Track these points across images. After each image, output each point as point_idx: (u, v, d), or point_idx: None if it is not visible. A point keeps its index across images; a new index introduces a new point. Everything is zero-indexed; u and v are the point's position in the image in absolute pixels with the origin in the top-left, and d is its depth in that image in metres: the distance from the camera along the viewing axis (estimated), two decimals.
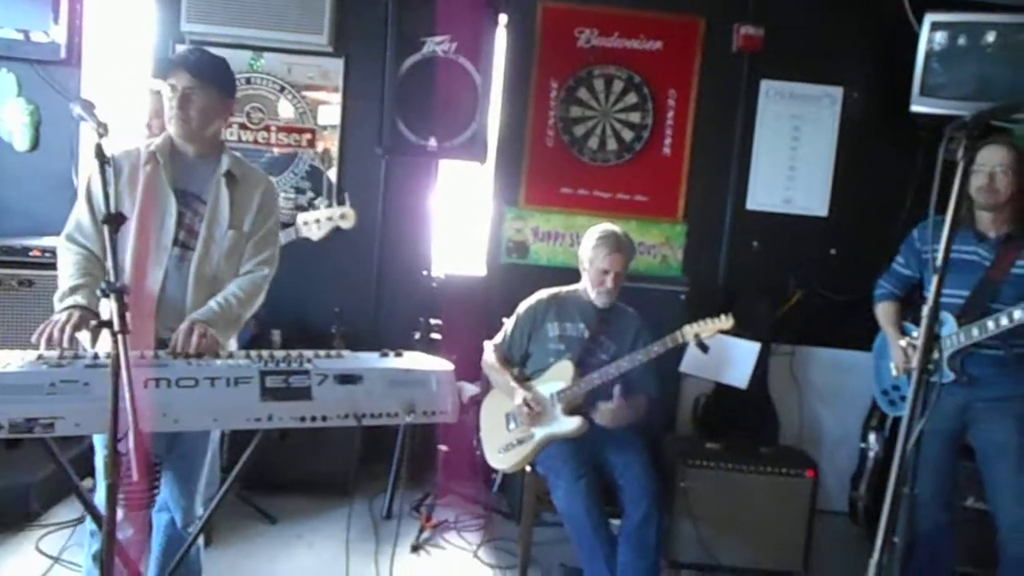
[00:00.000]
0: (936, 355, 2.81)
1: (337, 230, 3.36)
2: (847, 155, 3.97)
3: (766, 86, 3.95)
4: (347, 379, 1.97)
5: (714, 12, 3.91)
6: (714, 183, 4.00)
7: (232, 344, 2.34)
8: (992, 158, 2.81)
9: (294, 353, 2.10)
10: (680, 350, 3.12)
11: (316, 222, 3.31)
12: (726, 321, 2.98)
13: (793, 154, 4.00)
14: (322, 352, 2.13)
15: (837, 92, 3.96)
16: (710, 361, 3.54)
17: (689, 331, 2.96)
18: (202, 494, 2.31)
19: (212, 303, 2.17)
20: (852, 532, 3.78)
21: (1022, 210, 2.85)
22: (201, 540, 2.33)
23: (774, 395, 3.91)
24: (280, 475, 3.53)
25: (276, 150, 3.94)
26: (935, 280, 1.77)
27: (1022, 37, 3.59)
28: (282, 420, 1.93)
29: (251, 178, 2.33)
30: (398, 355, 2.18)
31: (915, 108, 3.67)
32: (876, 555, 1.77)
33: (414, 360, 2.13)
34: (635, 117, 3.93)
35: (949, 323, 2.85)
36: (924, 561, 3.09)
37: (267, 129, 3.92)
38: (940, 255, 2.94)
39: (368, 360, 2.08)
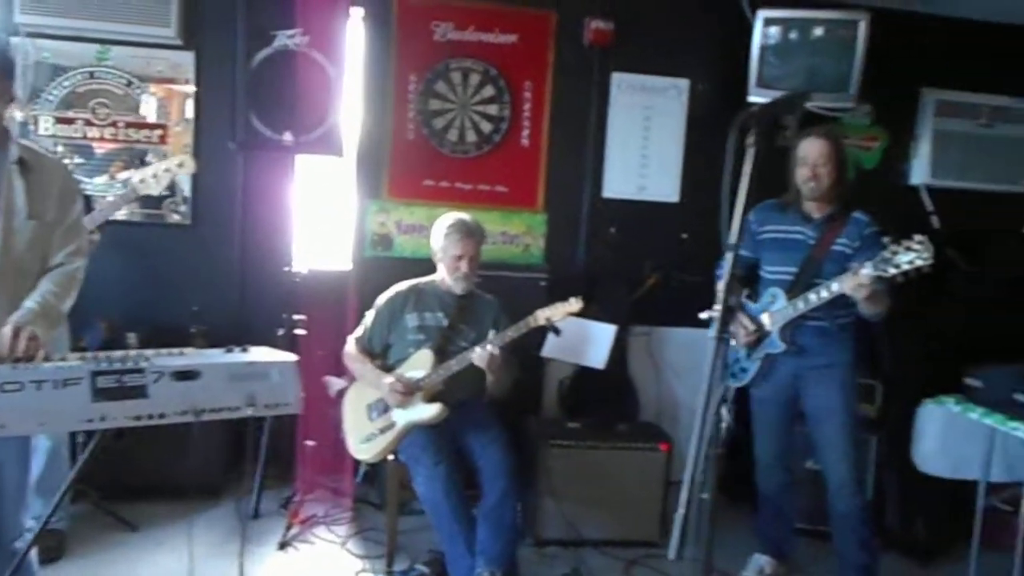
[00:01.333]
0: (752, 326, 3.05)
1: (187, 228, 3.29)
2: (695, 143, 4.19)
3: (617, 78, 4.12)
4: (184, 375, 1.96)
5: (565, 6, 4.04)
6: (571, 173, 4.14)
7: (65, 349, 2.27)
8: (812, 151, 3.05)
9: (133, 353, 2.07)
10: (543, 335, 3.25)
11: (154, 177, 3.02)
12: (575, 304, 3.10)
13: (645, 144, 4.19)
14: (164, 350, 2.11)
15: (684, 84, 4.17)
16: (570, 345, 3.67)
17: (541, 315, 3.07)
18: (28, 506, 2.23)
19: (29, 303, 2.10)
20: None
21: (842, 193, 3.11)
22: (34, 554, 2.25)
23: (633, 374, 4.09)
24: (143, 481, 3.43)
25: (124, 146, 3.81)
26: (729, 257, 1.92)
27: (845, 32, 3.88)
28: (116, 420, 1.90)
29: (46, 165, 2.23)
30: (244, 350, 2.18)
31: (752, 98, 3.91)
32: (682, 509, 1.91)
33: (257, 354, 2.14)
34: (493, 109, 4.01)
35: (780, 298, 3.08)
36: (769, 518, 3.33)
37: (114, 125, 3.79)
38: (771, 235, 3.18)
39: (209, 356, 2.08)
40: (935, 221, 4.44)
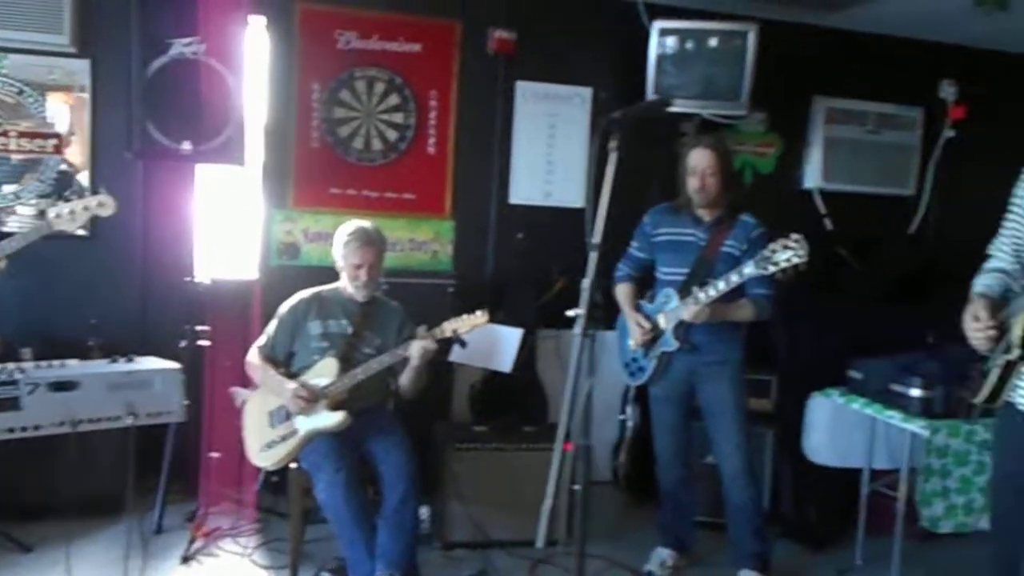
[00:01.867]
0: (662, 326, 3.16)
1: (86, 240, 3.22)
2: (599, 151, 4.28)
3: (522, 87, 4.20)
4: (61, 386, 1.94)
5: (469, 16, 4.10)
6: (478, 180, 4.20)
7: None
8: (701, 162, 3.19)
9: (11, 366, 2.04)
10: (449, 341, 3.29)
11: (71, 213, 2.95)
12: (481, 317, 3.17)
13: (550, 151, 4.28)
14: (44, 362, 2.08)
15: (586, 92, 4.28)
16: (478, 349, 3.72)
17: (448, 327, 3.13)
18: None
19: None
20: (617, 498, 4.10)
21: (730, 198, 3.24)
22: None
23: (542, 377, 4.16)
24: (41, 500, 3.32)
25: (16, 156, 3.71)
26: (593, 257, 2.01)
27: (737, 42, 4.04)
28: None
29: None
30: (128, 360, 2.17)
31: None
32: (548, 501, 1.97)
33: (142, 363, 2.12)
34: (398, 118, 4.05)
35: (673, 298, 3.19)
36: (669, 512, 3.44)
37: (5, 134, 3.68)
38: (665, 237, 3.29)
39: (89, 366, 2.06)
40: (828, 224, 4.65)
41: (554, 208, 4.25)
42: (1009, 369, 2.13)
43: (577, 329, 2.04)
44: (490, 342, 3.73)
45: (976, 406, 2.28)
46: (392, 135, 4.05)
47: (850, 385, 3.50)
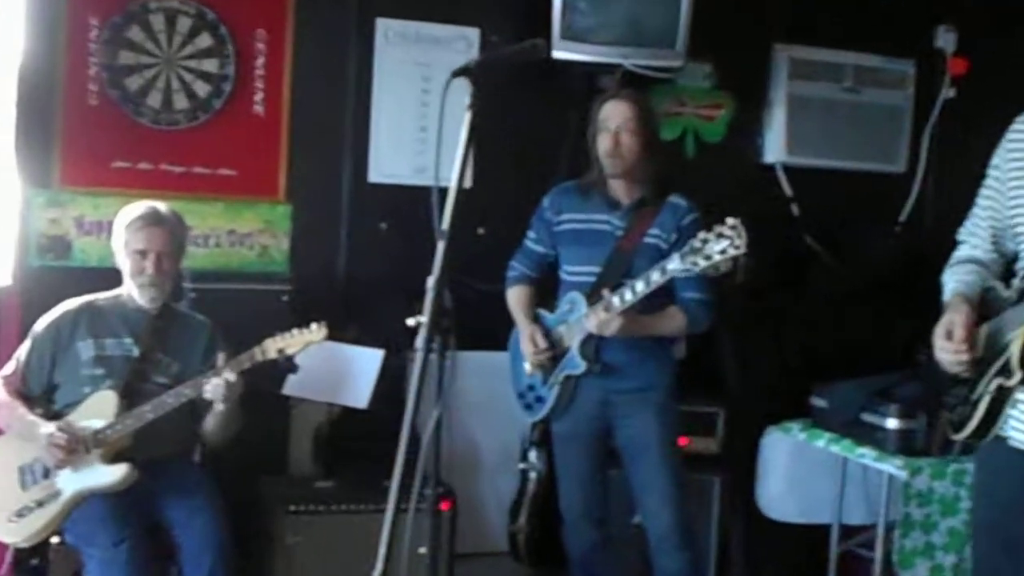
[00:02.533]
0: (567, 344, 3.25)
1: None
2: (493, 111, 4.36)
3: (383, 25, 4.26)
4: None
5: None
6: (325, 150, 4.24)
7: None
8: (615, 115, 3.30)
9: None
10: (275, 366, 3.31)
11: None
12: (316, 332, 3.22)
13: (424, 111, 4.34)
14: None
15: (473, 34, 4.36)
16: (323, 378, 3.75)
17: (271, 346, 3.17)
18: None
19: None
20: (518, 573, 4.17)
21: (657, 171, 3.36)
22: None
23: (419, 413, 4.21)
24: None
25: None
26: (441, 247, 2.09)
27: None
28: None
29: None
30: None
31: (557, 54, 4.15)
32: (379, 565, 2.03)
33: None
34: (211, 65, 4.05)
35: (580, 305, 3.29)
36: None
37: None
38: (569, 225, 3.40)
39: None
40: (795, 208, 4.85)
41: (430, 189, 4.30)
42: (1003, 396, 2.26)
43: (419, 342, 2.11)
44: (340, 368, 3.77)
45: (955, 442, 2.42)
46: (203, 89, 4.05)
47: (814, 416, 3.67)
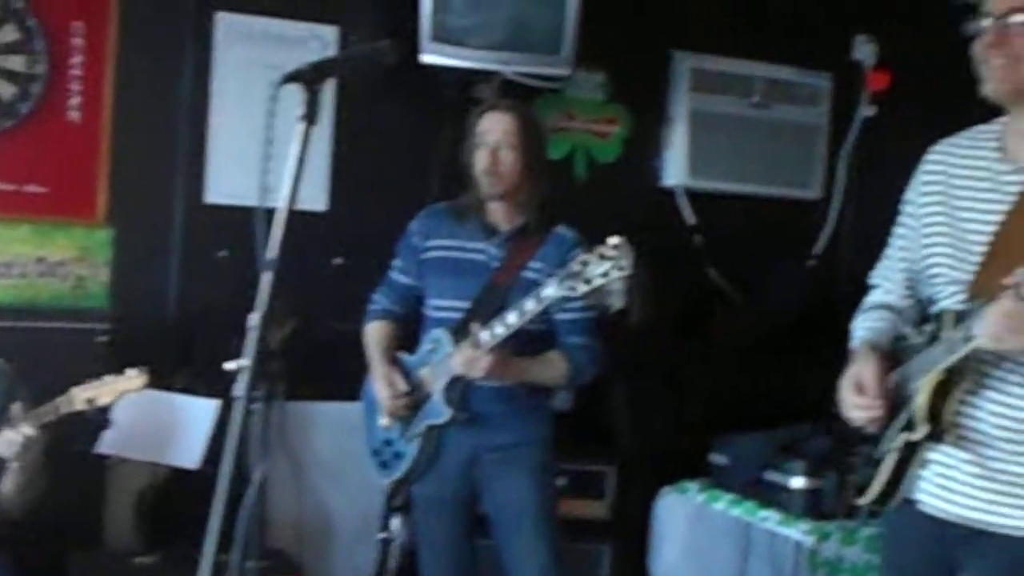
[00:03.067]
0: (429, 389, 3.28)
1: None
2: (351, 123, 4.41)
3: (224, 21, 4.26)
4: None
5: None
6: (154, 166, 4.22)
7: None
8: (494, 129, 3.35)
9: None
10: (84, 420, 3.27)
11: None
12: (135, 378, 3.20)
13: (272, 121, 4.32)
14: None
15: (330, 33, 4.39)
16: (146, 433, 3.71)
17: (79, 395, 3.15)
18: None
19: None
20: None
21: (541, 195, 3.42)
22: None
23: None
24: None
25: None
26: (266, 279, 2.11)
27: None
28: None
29: None
30: None
31: (427, 59, 4.21)
32: None
33: None
34: (17, 63, 4.00)
35: (444, 344, 3.33)
36: None
37: None
38: (439, 253, 3.44)
39: None
40: (699, 238, 4.99)
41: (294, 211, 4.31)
42: (910, 453, 2.33)
43: (239, 390, 2.11)
44: (168, 422, 3.75)
45: (860, 507, 2.50)
46: (6, 91, 3.99)
47: (714, 475, 3.77)
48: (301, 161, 2.15)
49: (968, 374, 2.22)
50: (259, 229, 2.19)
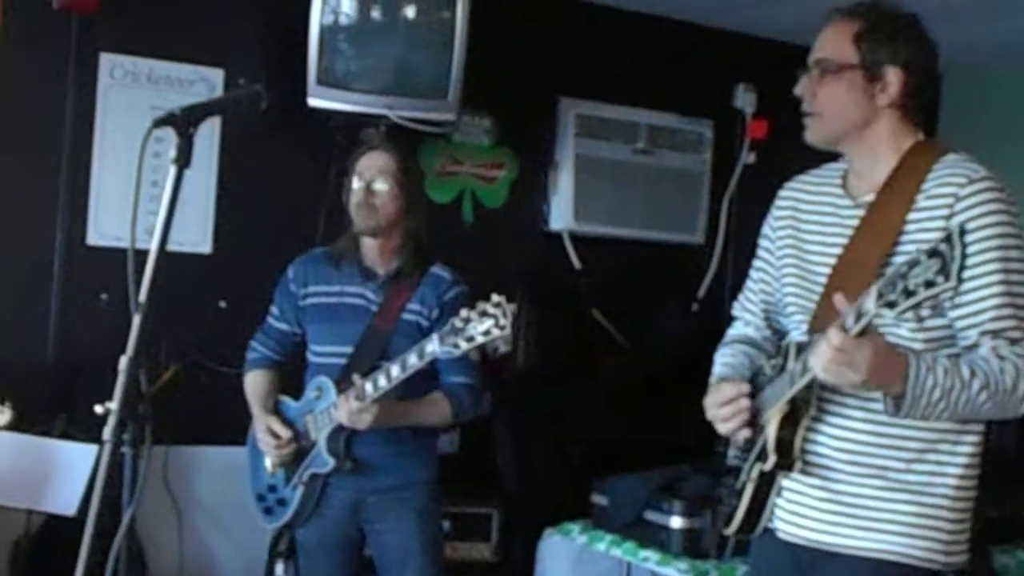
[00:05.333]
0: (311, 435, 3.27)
1: None
2: (237, 165, 4.41)
3: (109, 61, 4.24)
4: None
5: None
6: (34, 206, 4.17)
7: None
8: (370, 166, 3.37)
9: None
10: None
11: None
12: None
13: (157, 163, 4.27)
14: None
15: (216, 76, 4.40)
16: (22, 479, 3.63)
17: None
18: None
19: None
20: None
21: (417, 236, 3.44)
22: None
23: (140, 521, 4.11)
24: None
25: None
26: (137, 321, 2.09)
27: (445, 13, 4.35)
28: None
29: None
30: None
31: (313, 102, 4.23)
32: None
33: None
34: None
35: (328, 391, 3.32)
36: None
37: None
38: (317, 299, 3.43)
39: None
40: (584, 283, 5.06)
41: (163, 254, 4.28)
42: (766, 483, 2.39)
43: (107, 433, 2.09)
44: (44, 467, 3.66)
45: (728, 538, 2.56)
46: None
47: (595, 515, 3.81)
48: (172, 203, 2.15)
49: (811, 404, 2.29)
50: (132, 272, 2.16)
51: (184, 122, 2.17)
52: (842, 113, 2.32)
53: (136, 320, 2.14)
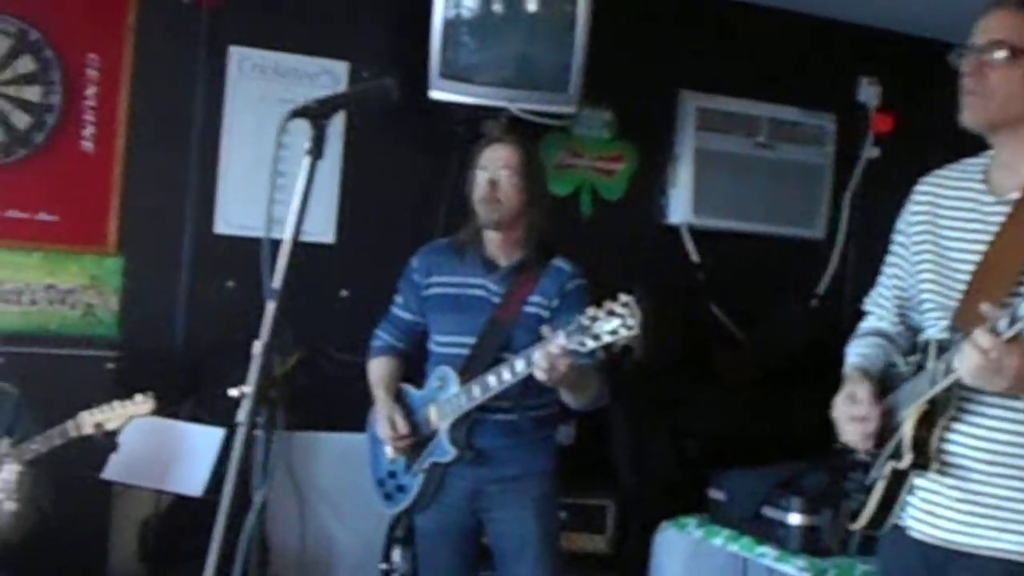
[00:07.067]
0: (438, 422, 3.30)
1: None
2: (360, 157, 4.46)
3: (238, 55, 4.32)
4: None
5: None
6: (165, 196, 4.26)
7: None
8: (494, 159, 3.39)
9: None
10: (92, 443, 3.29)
11: None
12: (143, 403, 3.22)
13: (283, 154, 4.37)
14: None
15: (341, 68, 4.45)
16: (150, 460, 3.73)
17: (88, 420, 3.17)
18: None
19: None
20: None
21: (540, 229, 3.45)
22: None
23: (265, 505, 4.20)
24: None
25: None
26: (271, 308, 2.13)
27: (567, 7, 4.35)
28: None
29: None
30: None
31: (436, 95, 4.26)
32: None
33: None
34: (33, 93, 4.05)
35: (451, 382, 3.35)
36: None
37: None
38: (440, 290, 3.46)
39: None
40: (702, 275, 5.02)
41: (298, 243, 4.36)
42: (898, 480, 2.36)
43: (241, 415, 2.13)
44: (173, 449, 3.75)
45: (853, 534, 2.53)
46: (22, 120, 4.04)
47: (711, 510, 3.78)
48: (306, 194, 2.18)
49: (950, 404, 2.25)
50: (265, 260, 2.20)
51: (319, 114, 2.21)
52: (1011, 101, 2.27)
53: (270, 306, 2.18)
